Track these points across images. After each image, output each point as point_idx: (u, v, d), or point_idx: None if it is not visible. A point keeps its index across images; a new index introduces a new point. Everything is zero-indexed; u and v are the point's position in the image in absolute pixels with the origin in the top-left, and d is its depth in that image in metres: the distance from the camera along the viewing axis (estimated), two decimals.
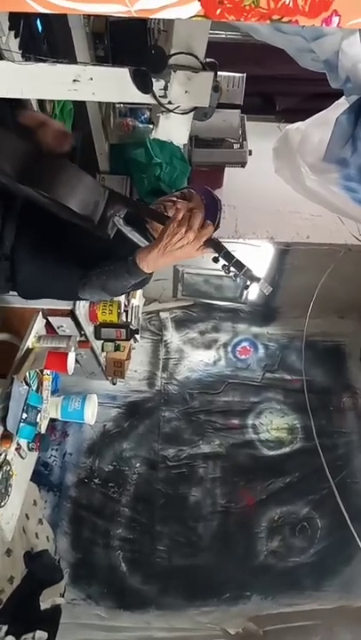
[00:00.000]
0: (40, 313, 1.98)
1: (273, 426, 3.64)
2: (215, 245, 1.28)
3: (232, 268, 1.27)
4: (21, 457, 1.73)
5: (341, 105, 1.91)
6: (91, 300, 1.49)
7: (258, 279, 1.28)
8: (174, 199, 1.65)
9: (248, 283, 1.28)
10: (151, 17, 0.61)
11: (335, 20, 0.63)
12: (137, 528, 3.25)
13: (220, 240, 1.65)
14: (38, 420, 1.76)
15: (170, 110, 1.59)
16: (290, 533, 3.32)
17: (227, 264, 1.27)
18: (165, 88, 1.50)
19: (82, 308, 2.33)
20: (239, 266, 1.27)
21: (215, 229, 1.61)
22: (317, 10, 0.62)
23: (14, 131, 1.78)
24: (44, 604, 2.38)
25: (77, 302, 2.23)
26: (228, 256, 1.27)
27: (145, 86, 1.46)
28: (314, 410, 3.59)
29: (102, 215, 1.39)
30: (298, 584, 3.17)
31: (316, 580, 3.19)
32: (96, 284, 1.47)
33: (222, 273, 1.30)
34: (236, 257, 1.27)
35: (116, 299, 2.57)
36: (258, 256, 3.24)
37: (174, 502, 3.34)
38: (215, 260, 1.30)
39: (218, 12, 0.62)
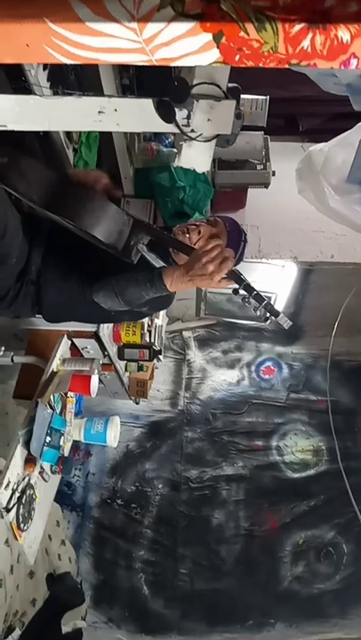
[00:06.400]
0: (65, 335, 2.01)
1: (298, 448, 3.58)
2: (236, 278, 1.28)
3: (252, 301, 1.27)
4: (45, 480, 1.74)
5: None
6: (103, 305, 1.51)
7: (277, 313, 1.28)
8: (198, 223, 1.66)
9: (268, 315, 1.28)
10: (172, 65, 0.62)
11: (354, 62, 0.63)
12: (159, 550, 3.23)
13: (244, 260, 1.67)
14: (61, 443, 1.77)
15: (192, 138, 1.60)
16: (315, 558, 3.25)
17: (247, 296, 1.27)
18: (188, 117, 1.52)
19: (106, 329, 2.36)
20: (259, 299, 1.27)
21: (238, 262, 1.61)
22: (336, 53, 0.63)
23: (42, 160, 1.83)
24: (66, 628, 2.38)
25: (101, 325, 2.26)
26: (249, 288, 1.27)
27: (168, 116, 1.48)
28: (340, 431, 3.53)
29: (126, 243, 1.41)
30: (323, 611, 3.10)
31: (342, 607, 3.11)
32: (114, 287, 1.46)
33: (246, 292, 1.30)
34: (256, 289, 1.27)
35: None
36: (282, 276, 3.23)
37: (197, 525, 3.30)
38: (235, 291, 1.30)
39: (237, 58, 0.63)
